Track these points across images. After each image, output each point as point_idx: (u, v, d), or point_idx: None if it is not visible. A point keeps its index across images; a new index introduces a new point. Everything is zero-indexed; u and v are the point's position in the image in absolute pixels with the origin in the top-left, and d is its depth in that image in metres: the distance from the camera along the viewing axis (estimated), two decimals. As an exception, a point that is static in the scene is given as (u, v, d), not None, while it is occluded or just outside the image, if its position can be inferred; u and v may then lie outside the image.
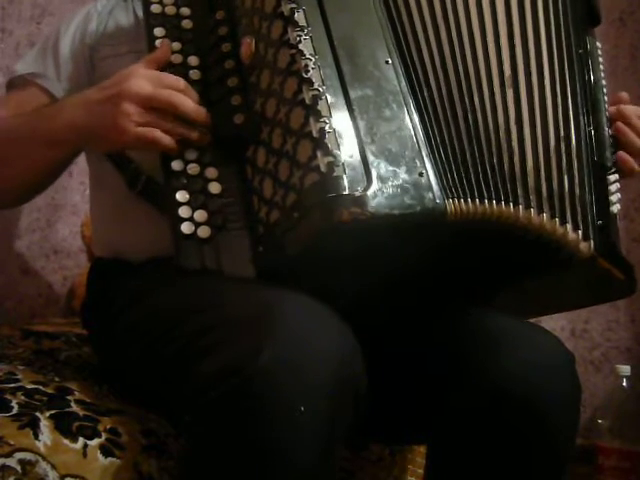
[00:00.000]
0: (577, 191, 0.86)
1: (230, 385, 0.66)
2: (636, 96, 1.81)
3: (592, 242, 0.85)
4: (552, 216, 0.83)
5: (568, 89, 0.90)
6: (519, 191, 0.83)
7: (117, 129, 0.84)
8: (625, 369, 1.60)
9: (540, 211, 0.83)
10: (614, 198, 0.94)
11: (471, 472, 0.83)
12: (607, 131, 0.95)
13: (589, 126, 0.91)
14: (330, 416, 0.68)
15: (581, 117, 0.91)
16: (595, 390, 1.73)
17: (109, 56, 1.02)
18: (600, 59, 0.99)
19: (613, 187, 0.94)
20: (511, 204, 0.82)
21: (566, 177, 0.86)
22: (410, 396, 0.89)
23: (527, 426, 0.80)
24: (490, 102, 0.85)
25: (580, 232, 0.84)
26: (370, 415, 0.75)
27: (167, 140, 0.84)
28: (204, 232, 0.82)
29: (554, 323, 1.73)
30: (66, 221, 1.63)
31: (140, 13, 1.05)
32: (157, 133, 0.84)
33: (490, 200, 0.81)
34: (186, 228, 0.82)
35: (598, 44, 1.00)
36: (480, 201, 0.80)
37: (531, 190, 0.83)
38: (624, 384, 1.59)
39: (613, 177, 0.94)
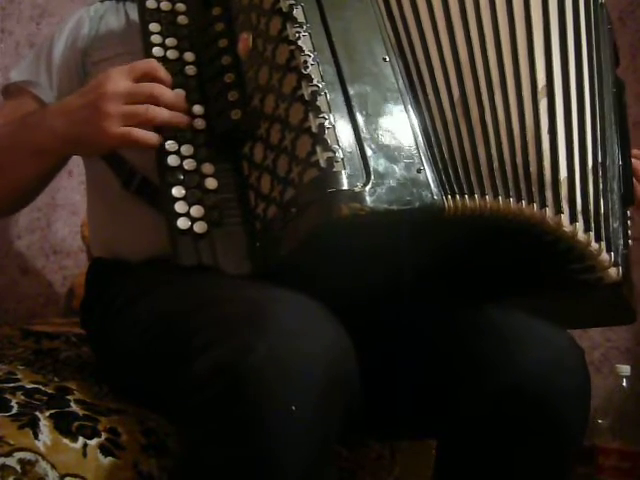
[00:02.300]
0: (611, 215, 0.86)
1: (221, 384, 0.66)
2: (636, 96, 1.81)
3: (620, 268, 0.85)
4: (587, 230, 0.82)
5: (606, 119, 0.90)
6: (548, 194, 0.82)
7: (100, 132, 0.84)
8: (625, 369, 1.60)
9: (573, 220, 0.82)
10: (629, 232, 0.95)
11: (483, 469, 0.83)
12: (632, 172, 0.96)
13: (619, 161, 0.92)
14: (322, 415, 0.68)
15: (615, 150, 0.91)
16: (595, 390, 1.71)
17: (101, 60, 1.02)
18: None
19: (629, 221, 0.96)
20: (535, 204, 0.81)
21: (602, 200, 0.85)
22: (421, 393, 0.88)
23: (540, 422, 0.79)
24: (518, 108, 0.84)
25: (612, 255, 0.84)
26: (371, 412, 0.75)
27: (152, 137, 0.84)
28: (200, 227, 0.82)
29: (554, 323, 1.73)
30: (66, 221, 1.64)
31: (132, 15, 1.05)
32: (141, 132, 0.83)
33: (507, 197, 0.80)
34: (182, 223, 0.82)
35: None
36: (495, 197, 0.80)
37: (564, 198, 0.82)
38: (624, 384, 1.60)
39: (629, 212, 0.96)
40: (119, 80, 0.85)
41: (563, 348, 0.83)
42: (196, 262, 0.81)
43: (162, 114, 0.84)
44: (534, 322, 0.86)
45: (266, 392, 0.65)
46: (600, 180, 0.86)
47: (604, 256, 0.83)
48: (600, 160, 0.87)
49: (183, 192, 0.83)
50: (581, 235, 0.82)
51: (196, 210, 0.83)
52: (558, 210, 0.81)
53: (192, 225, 0.82)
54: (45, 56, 1.06)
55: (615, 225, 0.87)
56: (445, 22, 0.85)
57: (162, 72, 0.87)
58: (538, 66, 0.87)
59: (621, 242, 0.87)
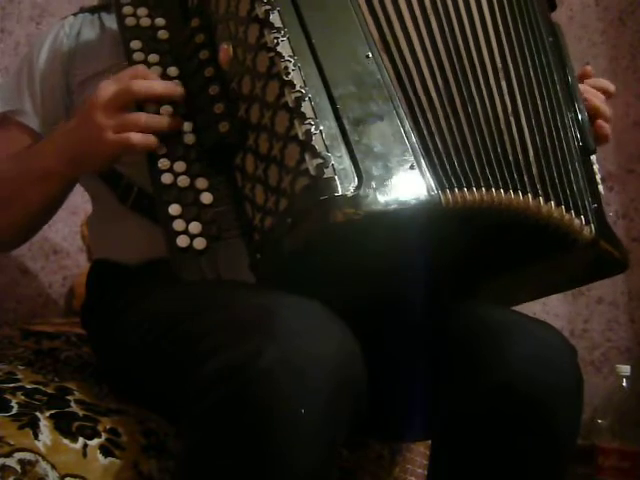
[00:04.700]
0: (573, 178, 0.89)
1: (230, 388, 0.66)
2: (636, 96, 1.82)
3: (592, 226, 0.87)
4: (558, 204, 0.85)
5: (548, 78, 0.92)
6: (526, 179, 0.84)
7: (96, 143, 0.85)
8: (625, 369, 1.60)
9: (547, 199, 0.84)
10: (598, 178, 0.97)
11: (476, 467, 0.83)
12: (585, 115, 0.97)
13: (570, 112, 0.94)
14: (331, 418, 0.68)
15: (563, 104, 0.93)
16: (595, 390, 1.73)
17: (87, 78, 1.02)
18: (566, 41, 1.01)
19: (596, 167, 0.97)
20: (520, 192, 0.83)
21: (562, 165, 0.88)
22: (413, 393, 0.88)
23: (531, 421, 0.80)
24: (487, 93, 0.86)
25: (582, 217, 0.87)
26: (372, 412, 0.75)
27: (145, 139, 0.84)
28: (200, 244, 0.82)
29: (554, 323, 1.72)
30: (66, 221, 1.63)
31: (108, 24, 1.05)
32: (133, 135, 0.83)
33: (498, 188, 0.81)
34: (182, 241, 0.82)
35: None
36: (487, 190, 0.80)
37: (536, 179, 0.85)
38: (624, 384, 1.60)
39: (594, 157, 0.98)
40: (107, 88, 0.85)
41: (554, 347, 0.83)
42: (199, 278, 0.81)
43: (153, 121, 0.84)
44: (526, 321, 0.86)
45: (275, 395, 0.66)
46: (557, 146, 0.89)
47: (575, 222, 0.86)
48: (552, 123, 0.89)
49: (179, 210, 0.83)
50: (555, 211, 0.85)
51: (194, 226, 0.82)
52: (536, 194, 0.84)
53: (192, 242, 0.82)
54: (26, 80, 1.05)
55: (580, 184, 0.89)
56: (421, 14, 0.86)
57: (148, 73, 0.87)
58: (494, 48, 0.88)
59: (588, 199, 0.90)
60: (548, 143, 0.88)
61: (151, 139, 0.84)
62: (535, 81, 0.90)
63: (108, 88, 0.85)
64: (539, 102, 0.89)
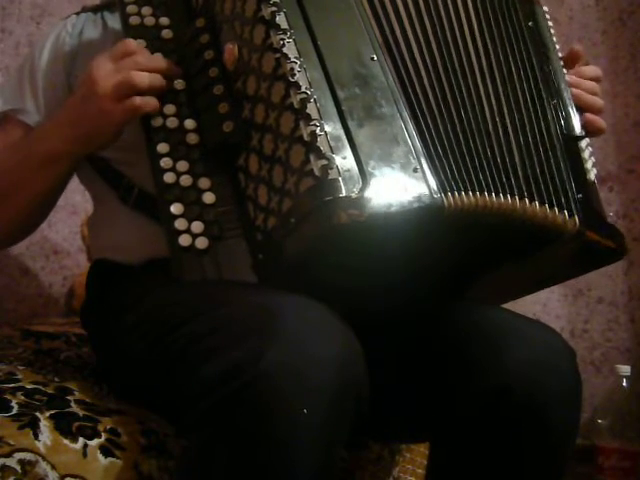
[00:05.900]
0: (555, 172, 0.88)
1: (231, 389, 0.66)
2: (636, 96, 1.82)
3: (577, 218, 0.87)
4: (541, 203, 0.85)
5: (528, 70, 0.92)
6: (513, 182, 0.84)
7: (103, 115, 0.85)
8: (625, 369, 1.60)
9: (532, 199, 0.84)
10: (589, 165, 0.95)
11: (474, 470, 0.83)
12: (570, 99, 0.96)
13: (553, 99, 0.93)
14: (332, 418, 0.68)
15: (544, 94, 0.92)
16: (595, 390, 1.73)
17: None
18: (550, 23, 0.99)
19: (586, 153, 0.95)
20: (509, 195, 0.83)
21: (544, 160, 0.88)
22: (412, 394, 0.89)
23: (529, 424, 0.80)
24: (476, 96, 0.86)
25: (565, 211, 0.86)
26: (371, 413, 0.75)
27: (148, 101, 0.84)
28: (202, 243, 0.82)
29: (554, 324, 1.73)
30: (66, 221, 1.64)
31: (110, 24, 1.05)
32: (138, 100, 0.84)
33: (490, 192, 0.81)
34: (184, 240, 0.82)
35: (545, 8, 1.00)
36: (480, 194, 0.81)
37: (522, 180, 0.85)
38: (624, 384, 1.60)
39: (584, 143, 0.96)
40: (102, 65, 0.86)
41: (552, 349, 0.83)
42: (200, 278, 0.81)
43: (145, 78, 0.85)
44: (524, 322, 0.86)
45: (277, 396, 0.65)
46: (539, 142, 0.89)
47: (559, 217, 0.86)
48: (534, 117, 0.89)
49: (182, 209, 0.83)
50: (539, 210, 0.84)
51: (196, 226, 0.82)
52: (522, 195, 0.84)
53: (193, 242, 0.82)
54: (28, 79, 1.05)
55: (563, 177, 0.89)
56: (416, 15, 0.86)
57: (139, 47, 0.88)
58: (480, 47, 0.89)
59: (572, 189, 0.89)
60: (530, 140, 0.88)
61: (153, 100, 0.85)
62: (516, 77, 0.90)
63: (104, 65, 0.86)
64: (521, 99, 0.89)
